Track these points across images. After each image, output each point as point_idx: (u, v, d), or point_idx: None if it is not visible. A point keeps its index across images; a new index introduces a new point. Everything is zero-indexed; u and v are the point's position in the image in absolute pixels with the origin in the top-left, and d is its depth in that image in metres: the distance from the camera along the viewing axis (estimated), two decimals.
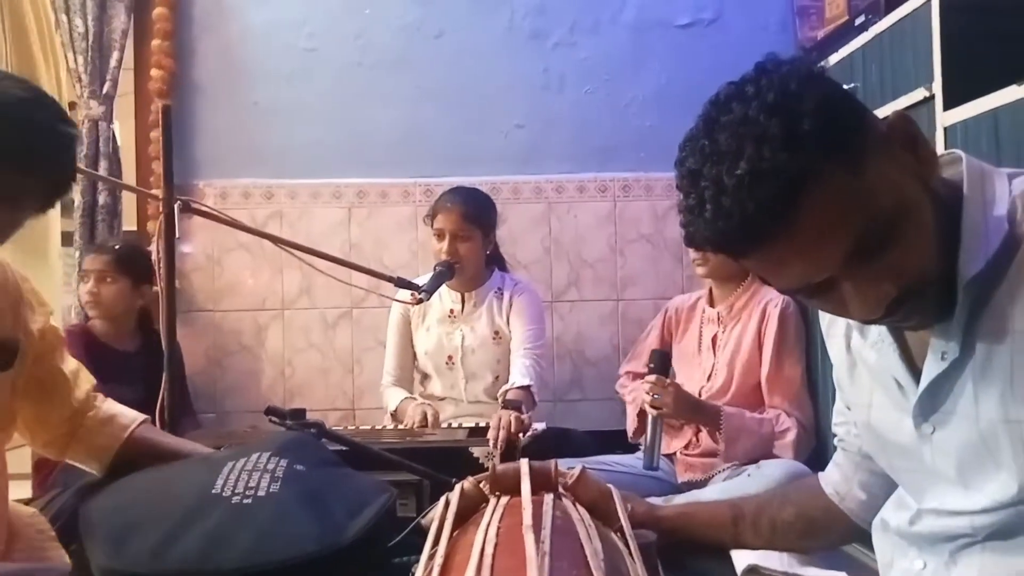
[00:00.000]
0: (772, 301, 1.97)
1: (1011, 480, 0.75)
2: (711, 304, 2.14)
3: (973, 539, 0.80)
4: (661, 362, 1.89)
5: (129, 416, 1.38)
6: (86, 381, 1.36)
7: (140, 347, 2.45)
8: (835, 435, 1.05)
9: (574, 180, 2.96)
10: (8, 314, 1.20)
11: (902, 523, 0.88)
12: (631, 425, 2.13)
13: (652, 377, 1.87)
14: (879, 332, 0.86)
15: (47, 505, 1.37)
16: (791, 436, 1.90)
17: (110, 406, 1.38)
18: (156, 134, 2.79)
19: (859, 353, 0.91)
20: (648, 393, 1.86)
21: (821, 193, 0.70)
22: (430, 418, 2.12)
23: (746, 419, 1.90)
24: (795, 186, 0.69)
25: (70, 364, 1.34)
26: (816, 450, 1.96)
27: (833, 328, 0.95)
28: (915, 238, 0.74)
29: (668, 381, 1.86)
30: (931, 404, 0.81)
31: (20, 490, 1.82)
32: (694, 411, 1.92)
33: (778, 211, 0.70)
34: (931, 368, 0.79)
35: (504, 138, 2.96)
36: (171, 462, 1.28)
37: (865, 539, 1.01)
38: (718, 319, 2.10)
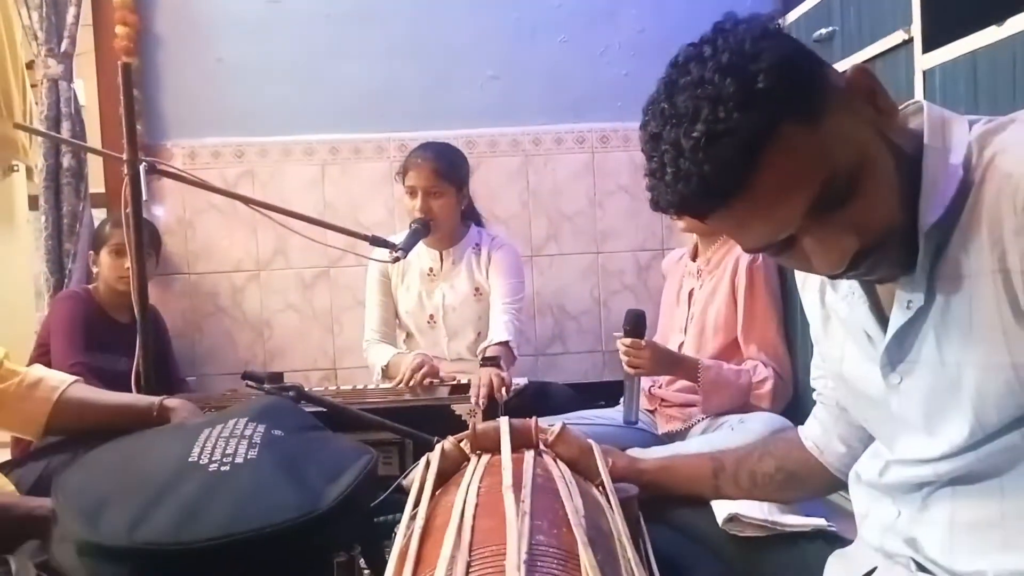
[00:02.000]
0: (744, 255, 1.97)
1: (964, 424, 0.76)
2: (693, 258, 2.14)
3: (939, 485, 0.81)
4: (635, 323, 1.89)
5: (57, 378, 1.38)
6: None
7: (132, 320, 2.39)
8: (814, 389, 1.05)
9: (551, 132, 2.92)
10: None
11: (873, 474, 0.89)
12: None
13: (627, 340, 1.87)
14: (849, 285, 0.86)
15: (15, 470, 1.36)
16: (768, 386, 1.92)
17: (35, 372, 1.37)
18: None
19: (832, 307, 0.91)
20: (624, 355, 1.86)
21: (778, 152, 0.69)
22: (434, 371, 2.10)
23: (723, 371, 1.91)
24: (751, 146, 0.69)
25: None
26: (794, 401, 1.97)
27: (808, 283, 0.95)
28: (875, 191, 0.73)
29: (643, 342, 1.87)
30: (898, 354, 0.81)
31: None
32: (672, 366, 1.94)
33: (736, 172, 0.69)
34: (897, 318, 0.80)
35: (479, 90, 2.90)
36: (110, 418, 1.28)
37: (845, 490, 1.02)
38: (697, 273, 2.10)
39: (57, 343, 2.26)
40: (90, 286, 2.48)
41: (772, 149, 0.69)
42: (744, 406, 1.91)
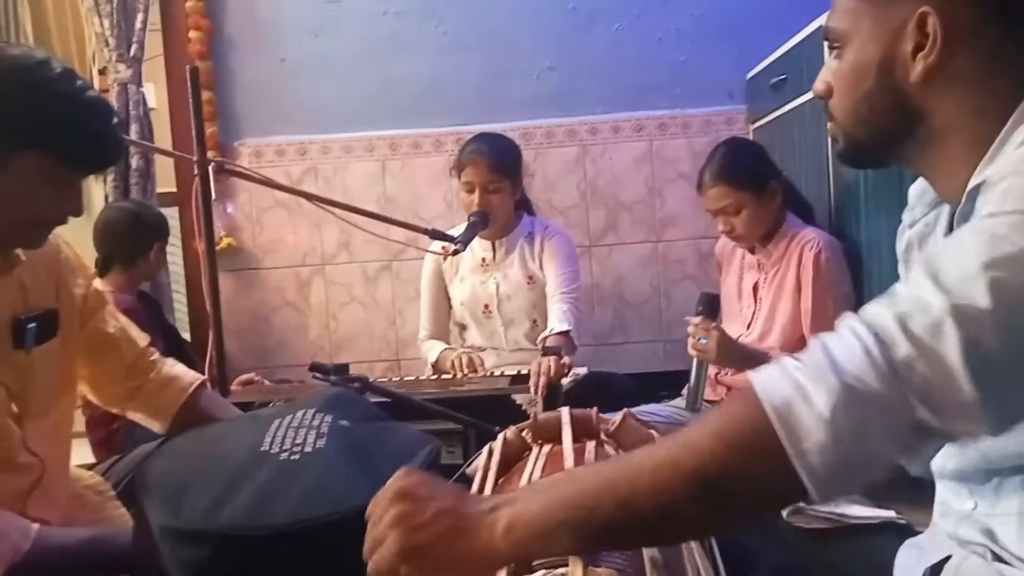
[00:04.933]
0: (807, 245, 1.90)
1: None
2: (751, 251, 2.08)
3: (1009, 473, 0.79)
4: (710, 305, 1.84)
5: (187, 380, 1.42)
6: (138, 339, 1.40)
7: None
8: None
9: (608, 121, 2.90)
10: (49, 284, 1.23)
11: (949, 463, 0.87)
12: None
13: (697, 319, 1.82)
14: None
15: (109, 469, 1.43)
16: None
17: (170, 369, 1.42)
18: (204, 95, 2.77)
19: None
20: (692, 336, 1.82)
21: None
22: (476, 363, 2.14)
23: None
24: None
25: (118, 323, 1.38)
26: None
27: (911, 254, 0.93)
28: None
29: (713, 324, 1.82)
30: None
31: (79, 451, 1.89)
32: (739, 358, 1.86)
33: None
34: None
35: (535, 81, 2.90)
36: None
37: (901, 478, 1.00)
38: (759, 266, 2.03)
39: None
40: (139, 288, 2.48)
41: None
42: None
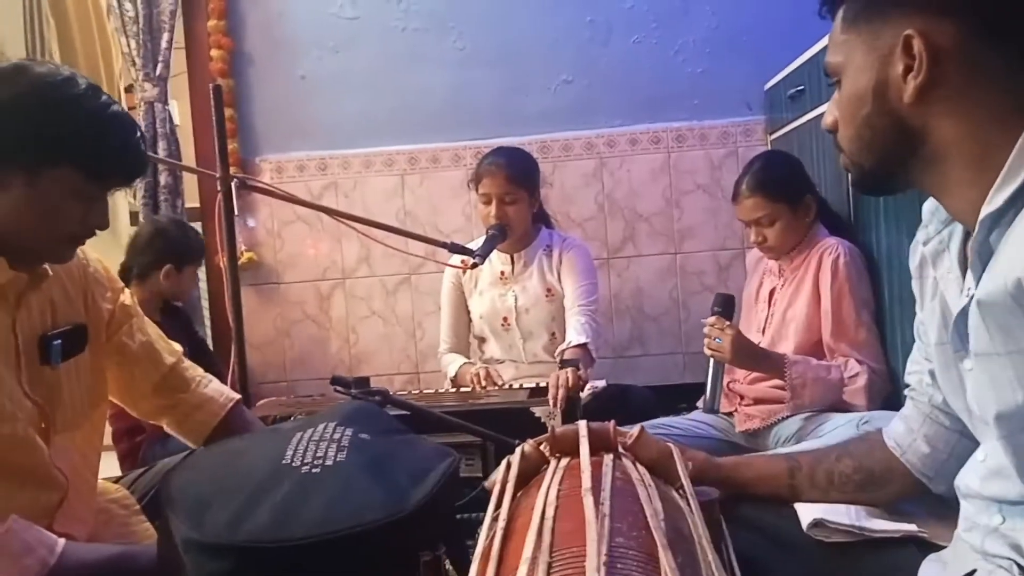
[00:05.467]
0: (827, 251, 1.90)
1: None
2: (775, 257, 2.08)
3: None
4: (725, 305, 1.84)
5: (221, 401, 1.42)
6: (167, 352, 1.40)
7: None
8: (907, 384, 1.03)
9: (625, 133, 2.91)
10: (77, 298, 1.25)
11: (974, 481, 0.87)
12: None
13: (712, 318, 1.82)
14: (949, 264, 0.87)
15: (134, 483, 1.44)
16: (861, 382, 1.82)
17: (204, 388, 1.42)
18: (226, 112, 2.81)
19: (931, 282, 0.93)
20: (707, 336, 1.82)
21: None
22: (494, 375, 2.15)
23: (812, 366, 1.84)
24: None
25: (146, 337, 1.37)
26: (893, 399, 1.87)
27: (917, 259, 0.94)
28: None
29: (727, 324, 1.81)
30: (962, 341, 0.81)
31: (105, 463, 1.92)
32: (754, 359, 1.87)
33: None
34: (957, 302, 0.83)
35: (553, 94, 2.92)
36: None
37: (923, 495, 1.00)
38: (779, 272, 2.04)
39: None
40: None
41: None
42: (836, 404, 1.83)
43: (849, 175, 0.90)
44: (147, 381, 1.37)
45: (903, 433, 1.02)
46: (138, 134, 1.18)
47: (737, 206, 2.01)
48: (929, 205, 0.90)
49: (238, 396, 1.47)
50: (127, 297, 1.36)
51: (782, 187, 1.95)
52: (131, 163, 1.17)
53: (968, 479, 0.89)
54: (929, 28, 0.76)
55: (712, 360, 1.83)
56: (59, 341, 1.19)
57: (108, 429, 2.14)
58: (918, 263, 0.94)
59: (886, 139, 0.82)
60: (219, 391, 1.44)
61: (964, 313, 0.79)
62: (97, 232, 1.17)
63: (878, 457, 1.04)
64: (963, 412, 0.90)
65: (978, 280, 0.77)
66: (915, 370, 1.01)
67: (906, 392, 1.03)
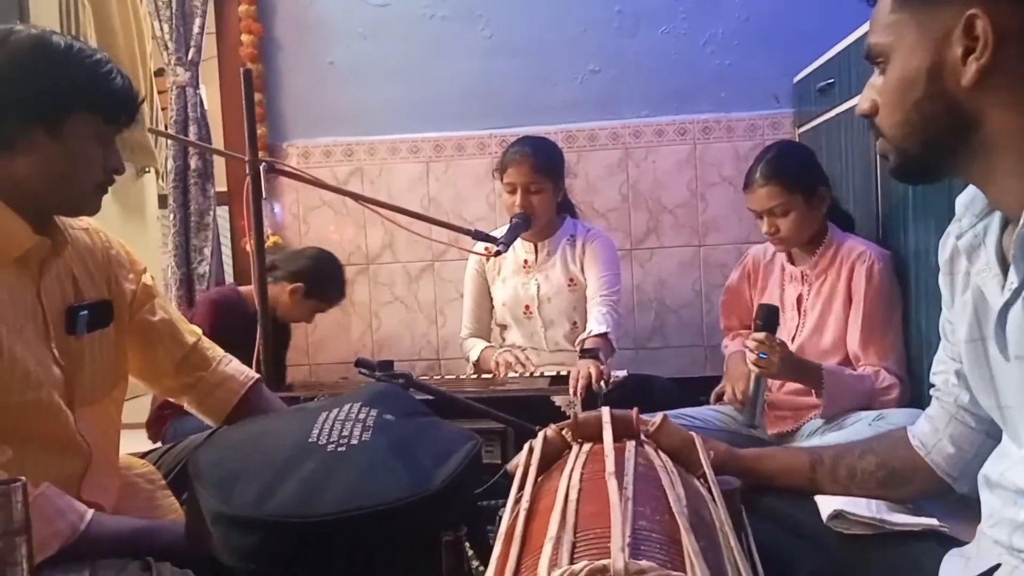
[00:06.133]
0: (859, 258, 1.86)
1: None
2: (791, 262, 2.03)
3: None
4: (769, 318, 1.75)
5: (240, 379, 1.44)
6: (188, 332, 1.43)
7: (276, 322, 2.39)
8: (932, 384, 1.02)
9: (652, 124, 2.90)
10: (100, 278, 1.28)
11: (999, 475, 0.86)
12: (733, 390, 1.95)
13: (760, 335, 1.73)
14: (987, 259, 0.85)
15: (159, 459, 1.47)
16: (895, 393, 1.78)
17: (224, 367, 1.44)
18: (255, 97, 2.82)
19: (964, 278, 0.91)
20: (754, 352, 1.73)
21: None
22: (522, 359, 2.16)
23: (846, 376, 1.79)
24: None
25: (167, 316, 1.40)
26: (915, 400, 1.85)
27: (955, 265, 0.93)
28: None
29: (777, 340, 1.74)
30: (1003, 336, 0.81)
31: (136, 439, 1.95)
32: (797, 371, 1.79)
33: None
34: (998, 298, 0.81)
35: (579, 84, 2.91)
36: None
37: (946, 495, 1.00)
38: (802, 278, 1.98)
39: None
40: (242, 288, 2.48)
41: None
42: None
43: (886, 162, 0.87)
44: (169, 359, 1.39)
45: (928, 433, 1.02)
46: (124, 74, 1.21)
47: (750, 195, 1.95)
48: (963, 198, 0.89)
49: (258, 375, 1.49)
50: (148, 278, 1.39)
51: (798, 176, 1.90)
52: (132, 98, 1.21)
53: (993, 470, 0.89)
54: (995, 9, 0.73)
55: (753, 376, 1.75)
56: (85, 312, 1.22)
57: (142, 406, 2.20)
58: (948, 257, 0.92)
59: (937, 125, 0.79)
60: (239, 370, 1.46)
61: (1007, 308, 0.79)
62: (116, 177, 1.21)
63: (902, 455, 1.04)
64: (993, 410, 0.89)
65: (1021, 273, 0.77)
66: (941, 370, 1.00)
67: (931, 392, 1.02)
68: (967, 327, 0.89)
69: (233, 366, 1.46)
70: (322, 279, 2.45)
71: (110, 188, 1.24)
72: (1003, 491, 0.87)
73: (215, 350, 1.46)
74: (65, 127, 1.12)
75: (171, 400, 1.51)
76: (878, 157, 1.95)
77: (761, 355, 1.72)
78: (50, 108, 1.11)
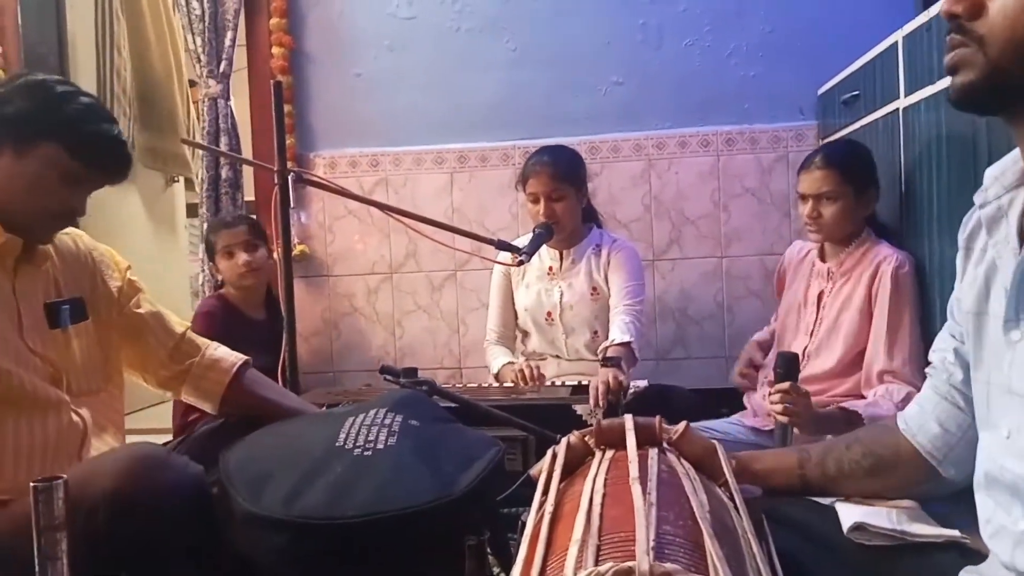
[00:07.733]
0: (886, 260, 1.86)
1: None
2: (822, 259, 2.05)
3: None
4: (788, 367, 1.70)
5: (229, 361, 1.53)
6: (176, 322, 1.53)
7: (266, 316, 2.48)
8: (928, 362, 1.03)
9: (675, 135, 2.91)
10: (82, 278, 1.40)
11: (995, 469, 0.86)
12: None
13: (784, 385, 1.67)
14: (1007, 233, 0.85)
15: (176, 448, 1.52)
16: (911, 400, 1.76)
17: (213, 352, 1.53)
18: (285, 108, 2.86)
19: (981, 251, 0.92)
20: (778, 403, 1.66)
21: None
22: (534, 371, 2.18)
23: (882, 413, 1.68)
24: None
25: (156, 306, 1.51)
26: None
27: (974, 241, 0.93)
28: None
29: (802, 391, 1.67)
30: (1017, 311, 0.80)
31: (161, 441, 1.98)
32: (830, 423, 1.70)
33: None
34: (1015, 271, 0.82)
35: (603, 96, 2.93)
36: (275, 403, 1.46)
37: (933, 481, 1.01)
38: (827, 275, 2.00)
39: None
40: (222, 291, 2.49)
41: None
42: None
43: (903, 169, 0.86)
44: (162, 348, 1.49)
45: (915, 414, 1.03)
46: (117, 130, 1.33)
47: (805, 175, 1.96)
48: (993, 170, 0.88)
49: (246, 357, 1.57)
50: (132, 275, 1.50)
51: (855, 170, 1.93)
52: (108, 148, 1.31)
53: (989, 468, 0.89)
54: None
55: (778, 424, 1.69)
56: (67, 307, 1.33)
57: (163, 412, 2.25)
58: (969, 232, 0.93)
59: None
60: (228, 353, 1.55)
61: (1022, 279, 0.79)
62: (77, 217, 1.32)
63: (886, 442, 1.05)
64: (981, 384, 0.90)
65: None
66: (940, 347, 1.01)
67: (927, 371, 1.04)
68: (974, 298, 0.90)
69: (222, 351, 1.55)
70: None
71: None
72: (997, 493, 0.86)
73: (204, 340, 1.55)
74: (31, 152, 1.24)
75: (185, 401, 1.57)
76: (903, 169, 1.95)
77: (787, 405, 1.66)
78: (23, 130, 1.24)
